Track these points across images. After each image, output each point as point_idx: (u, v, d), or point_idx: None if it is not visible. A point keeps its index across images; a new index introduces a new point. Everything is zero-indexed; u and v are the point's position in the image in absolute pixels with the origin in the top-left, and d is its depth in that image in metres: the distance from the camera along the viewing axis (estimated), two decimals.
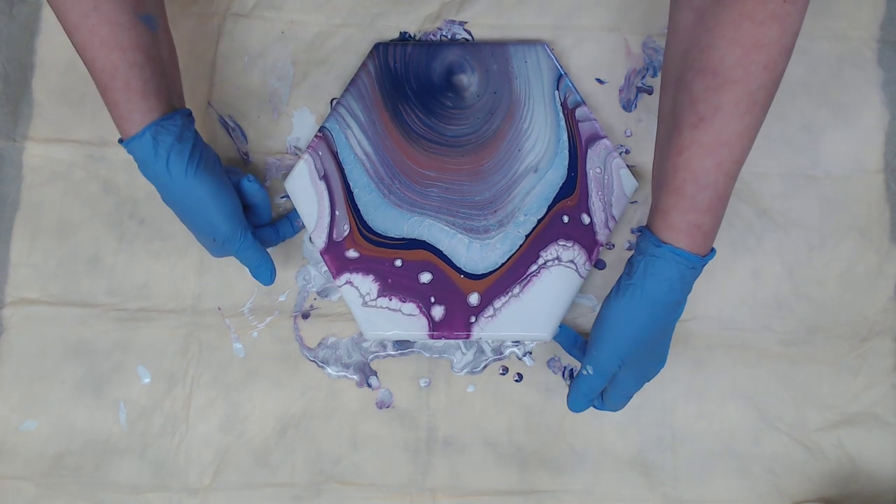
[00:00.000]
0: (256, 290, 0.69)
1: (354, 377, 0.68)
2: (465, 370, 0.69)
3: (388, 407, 0.68)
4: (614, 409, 0.62)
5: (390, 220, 0.68)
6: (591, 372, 0.58)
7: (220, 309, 0.69)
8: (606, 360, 0.57)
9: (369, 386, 0.68)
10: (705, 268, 0.69)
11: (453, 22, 0.71)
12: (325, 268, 0.69)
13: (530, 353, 0.69)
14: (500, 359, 0.69)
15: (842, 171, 0.70)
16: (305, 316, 0.69)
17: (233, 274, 0.69)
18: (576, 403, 0.61)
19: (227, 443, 0.68)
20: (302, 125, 0.71)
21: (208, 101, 0.70)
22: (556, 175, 0.69)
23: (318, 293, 0.69)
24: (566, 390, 0.68)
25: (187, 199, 0.59)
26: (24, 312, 0.68)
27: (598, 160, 0.69)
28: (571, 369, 0.69)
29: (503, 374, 0.69)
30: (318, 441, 0.68)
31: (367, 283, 0.67)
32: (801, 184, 0.70)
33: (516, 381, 0.69)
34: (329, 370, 0.68)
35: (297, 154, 0.70)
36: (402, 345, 0.69)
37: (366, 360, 0.69)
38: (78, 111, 0.70)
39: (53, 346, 0.68)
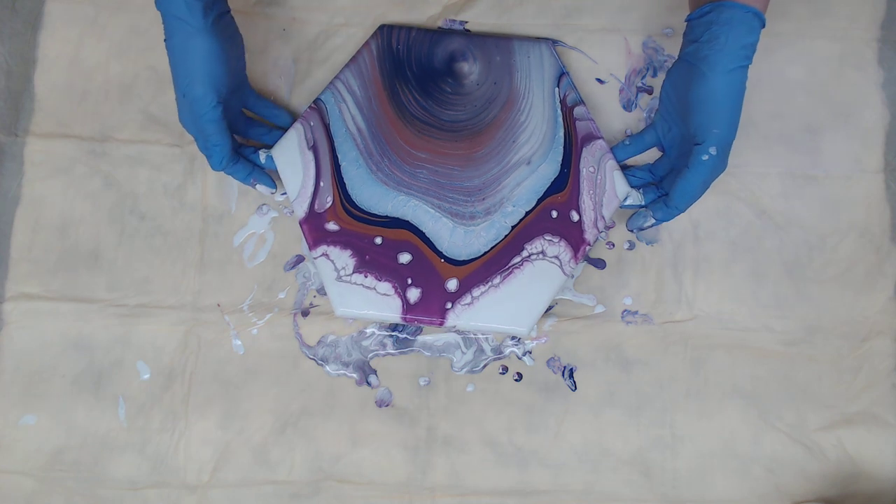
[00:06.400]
0: (256, 287, 0.69)
1: (354, 375, 0.68)
2: (464, 369, 0.69)
3: (387, 405, 0.68)
4: (680, 210, 0.63)
5: (376, 196, 0.67)
6: (714, 153, 0.59)
7: (219, 305, 0.69)
8: (728, 134, 0.59)
9: (369, 384, 0.68)
10: (705, 269, 0.70)
11: (454, 21, 0.71)
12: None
13: (530, 353, 0.69)
14: (499, 358, 0.69)
15: (842, 171, 0.70)
16: (305, 314, 0.69)
17: (233, 270, 0.69)
18: (694, 190, 0.61)
19: (226, 440, 0.67)
20: None
21: None
22: (548, 169, 0.68)
23: (318, 291, 0.69)
24: (566, 390, 0.68)
25: (205, 40, 0.58)
26: (24, 307, 0.68)
27: (593, 160, 0.68)
28: (571, 369, 0.68)
29: (503, 374, 0.69)
30: (317, 439, 0.68)
31: (343, 257, 0.65)
32: (801, 184, 0.70)
33: (516, 380, 0.69)
34: (328, 368, 0.68)
35: None
36: (402, 343, 0.69)
37: (365, 358, 0.69)
38: (80, 106, 0.70)
39: (53, 341, 0.68)
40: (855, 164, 0.70)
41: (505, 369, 0.69)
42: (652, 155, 0.70)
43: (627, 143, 0.69)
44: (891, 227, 0.70)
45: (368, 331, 0.69)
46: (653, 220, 0.65)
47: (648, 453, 0.68)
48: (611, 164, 0.68)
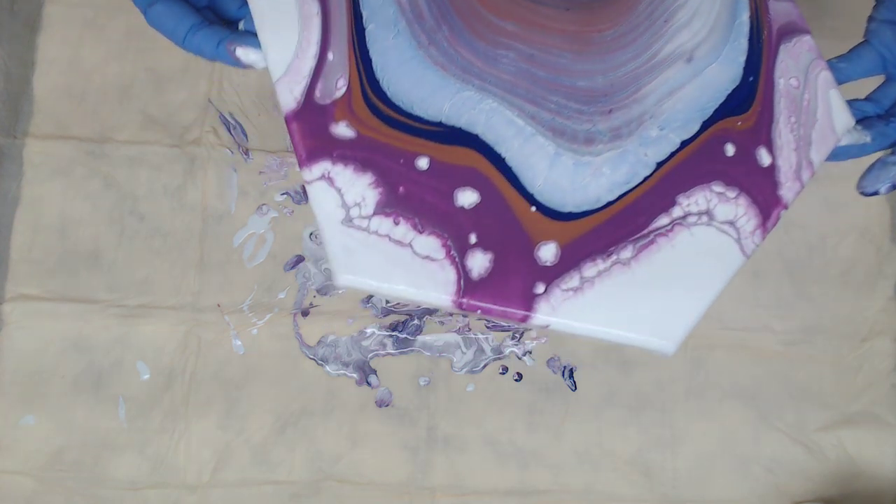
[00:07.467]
0: (256, 287, 0.69)
1: (354, 375, 0.68)
2: (464, 369, 0.69)
3: (387, 405, 0.68)
4: None
5: (424, 86, 0.40)
6: None
7: (219, 306, 0.69)
8: None
9: (369, 384, 0.68)
10: None
11: None
12: (324, 263, 0.69)
13: (530, 353, 0.69)
14: (499, 358, 0.69)
15: (842, 171, 0.70)
16: (305, 314, 0.69)
17: (233, 271, 0.69)
18: None
19: (225, 440, 0.67)
20: None
21: (209, 98, 0.70)
22: (722, 74, 0.42)
23: (318, 291, 0.69)
24: (566, 390, 0.68)
25: None
26: (23, 308, 0.68)
27: (796, 67, 0.43)
28: (572, 369, 0.68)
29: (503, 374, 0.69)
30: (317, 439, 0.68)
31: (358, 186, 0.39)
32: None
33: (516, 380, 0.69)
34: (328, 368, 0.68)
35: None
36: (402, 343, 0.69)
37: (365, 358, 0.69)
38: (79, 108, 0.70)
39: (53, 341, 0.68)
40: (855, 165, 0.70)
41: (505, 369, 0.69)
42: None
43: (837, 61, 0.46)
44: (891, 227, 0.70)
45: (368, 331, 0.69)
46: None
47: (648, 453, 0.68)
48: (824, 76, 0.44)
